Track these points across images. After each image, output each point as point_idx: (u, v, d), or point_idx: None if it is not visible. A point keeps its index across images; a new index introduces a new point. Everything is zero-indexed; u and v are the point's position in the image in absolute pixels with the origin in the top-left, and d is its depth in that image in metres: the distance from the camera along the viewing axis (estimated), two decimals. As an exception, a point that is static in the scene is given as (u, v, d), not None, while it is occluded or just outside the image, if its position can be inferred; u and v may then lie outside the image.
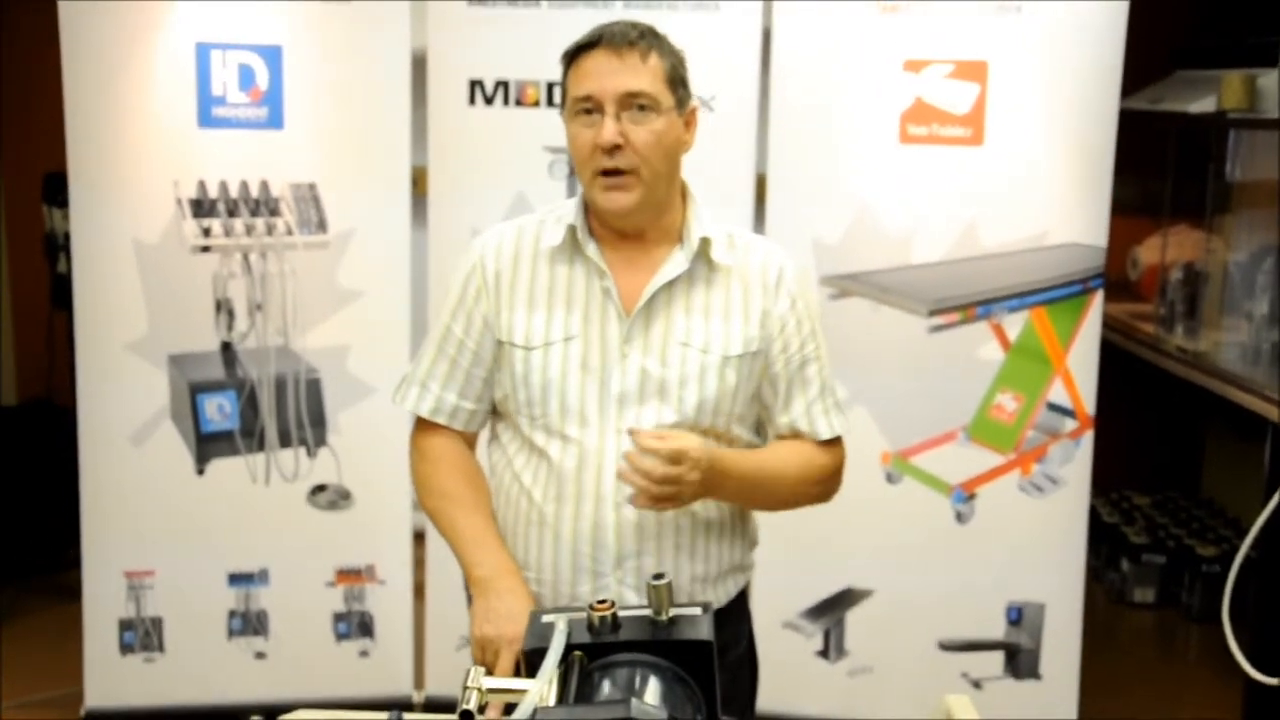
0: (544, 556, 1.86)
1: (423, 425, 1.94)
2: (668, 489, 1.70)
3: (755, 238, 1.96)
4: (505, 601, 1.77)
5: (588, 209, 1.87)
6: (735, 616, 1.98)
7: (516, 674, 1.67)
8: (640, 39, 1.79)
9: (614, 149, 1.77)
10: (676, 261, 1.85)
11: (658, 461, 1.69)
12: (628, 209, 1.81)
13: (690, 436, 1.74)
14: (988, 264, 3.17)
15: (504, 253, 1.88)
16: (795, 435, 1.93)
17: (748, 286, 1.88)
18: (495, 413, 1.94)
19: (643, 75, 1.77)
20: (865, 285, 3.19)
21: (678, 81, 1.82)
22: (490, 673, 1.62)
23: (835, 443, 1.96)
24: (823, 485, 1.95)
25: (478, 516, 1.88)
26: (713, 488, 1.77)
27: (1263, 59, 3.62)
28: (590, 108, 1.78)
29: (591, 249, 1.84)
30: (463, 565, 1.87)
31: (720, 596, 1.93)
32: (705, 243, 1.85)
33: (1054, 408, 3.20)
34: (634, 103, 1.77)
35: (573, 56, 1.81)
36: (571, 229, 1.85)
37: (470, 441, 1.97)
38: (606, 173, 1.78)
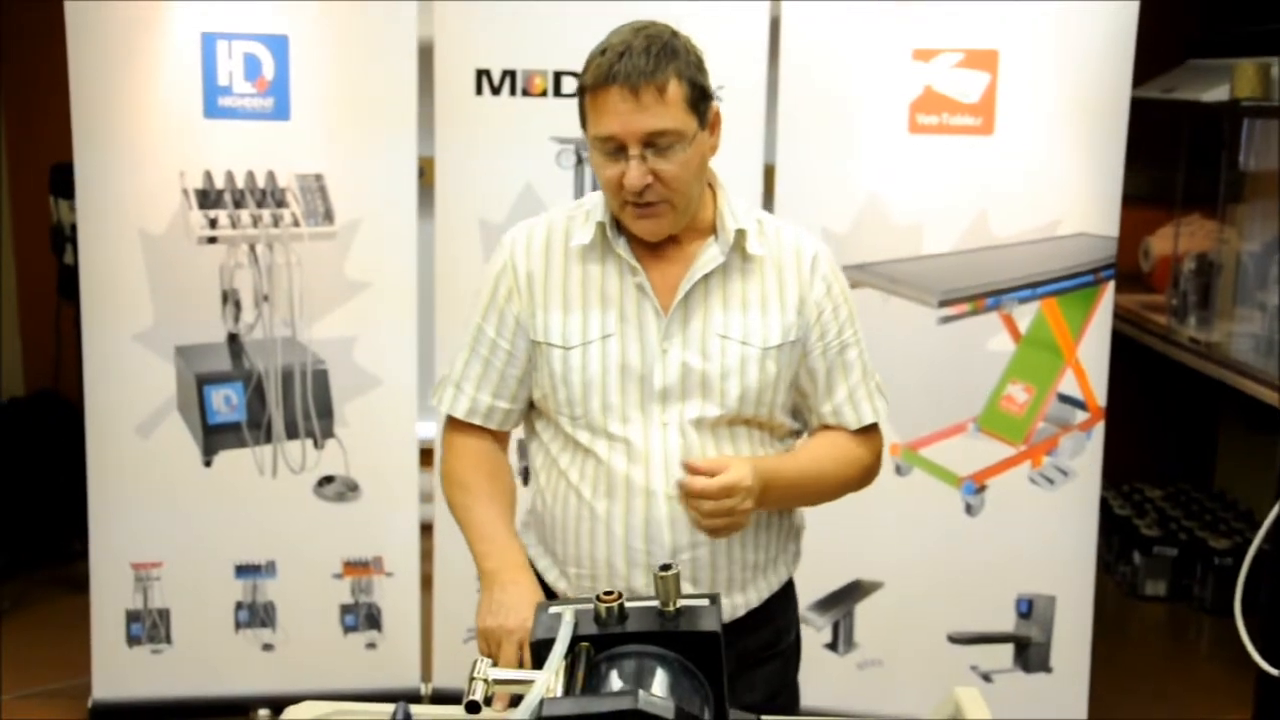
0: (597, 551, 1.84)
1: (455, 422, 1.92)
2: (719, 521, 1.68)
3: (782, 223, 1.92)
4: (509, 593, 1.75)
5: None
6: (787, 602, 1.97)
7: (520, 665, 1.66)
8: (655, 70, 1.69)
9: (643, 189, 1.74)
10: (711, 254, 1.82)
11: (709, 495, 1.66)
12: (661, 234, 1.80)
13: (741, 464, 1.70)
14: (998, 254, 3.15)
15: (534, 251, 1.86)
16: (838, 423, 1.91)
17: (782, 274, 1.85)
18: (533, 408, 1.92)
19: (663, 115, 1.70)
20: (875, 276, 3.18)
21: (699, 98, 1.75)
22: (495, 664, 1.62)
23: (873, 430, 1.94)
24: (863, 476, 1.95)
25: (492, 509, 1.86)
26: (763, 502, 1.76)
27: (1276, 47, 3.59)
28: (613, 148, 1.73)
29: (622, 246, 1.81)
30: (473, 557, 1.86)
31: (773, 583, 1.93)
32: (741, 235, 1.83)
33: (1065, 399, 3.18)
34: (658, 141, 1.72)
35: (585, 89, 1.75)
36: (601, 226, 1.82)
37: (503, 439, 1.95)
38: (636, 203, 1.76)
